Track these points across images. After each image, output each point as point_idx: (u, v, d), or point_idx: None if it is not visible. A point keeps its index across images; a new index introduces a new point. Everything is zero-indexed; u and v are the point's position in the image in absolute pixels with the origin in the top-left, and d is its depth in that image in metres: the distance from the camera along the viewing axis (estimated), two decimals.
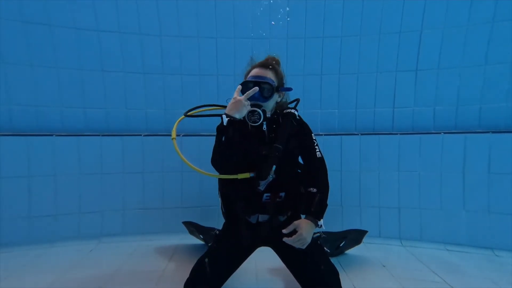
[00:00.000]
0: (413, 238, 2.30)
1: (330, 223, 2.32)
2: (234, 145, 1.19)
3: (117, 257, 2.03)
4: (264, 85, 1.25)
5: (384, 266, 1.95)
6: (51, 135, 2.26)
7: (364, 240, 2.35)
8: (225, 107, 1.35)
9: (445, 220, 2.27)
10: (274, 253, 1.44)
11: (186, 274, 1.31)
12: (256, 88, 1.18)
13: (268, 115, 1.30)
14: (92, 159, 2.32)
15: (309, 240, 1.21)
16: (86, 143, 2.31)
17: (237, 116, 1.18)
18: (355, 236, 2.05)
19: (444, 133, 2.30)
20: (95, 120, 2.40)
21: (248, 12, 2.41)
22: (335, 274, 1.28)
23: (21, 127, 2.25)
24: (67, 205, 2.26)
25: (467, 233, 2.22)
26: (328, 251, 1.95)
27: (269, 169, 1.24)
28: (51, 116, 2.31)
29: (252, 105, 1.22)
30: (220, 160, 1.23)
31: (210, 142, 1.37)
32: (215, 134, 1.24)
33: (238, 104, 1.18)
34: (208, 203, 2.37)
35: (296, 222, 1.21)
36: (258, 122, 1.22)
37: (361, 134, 2.43)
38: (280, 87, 1.31)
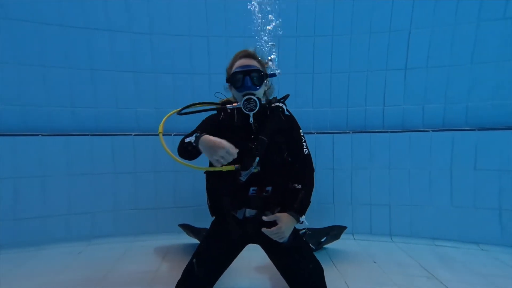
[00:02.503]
0: (404, 234, 2.35)
1: (322, 220, 2.38)
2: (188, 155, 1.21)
3: (108, 259, 2.00)
4: (254, 72, 1.25)
5: (375, 262, 1.98)
6: (38, 135, 2.20)
7: (355, 237, 2.39)
8: (217, 104, 1.34)
9: (434, 216, 2.32)
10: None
11: (178, 275, 1.31)
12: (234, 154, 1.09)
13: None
14: (82, 159, 2.28)
15: (287, 234, 1.22)
16: (76, 143, 2.27)
17: (203, 149, 1.12)
18: (336, 233, 2.10)
19: (433, 130, 2.35)
20: (85, 120, 2.35)
21: (239, 10, 2.40)
22: (321, 272, 1.30)
23: (6, 127, 2.19)
24: (56, 207, 2.22)
25: (455, 228, 2.28)
26: (314, 247, 1.97)
27: (251, 160, 1.23)
28: (38, 115, 2.26)
29: (245, 94, 1.23)
30: (180, 154, 1.25)
31: None
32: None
33: (217, 151, 1.07)
34: (201, 202, 2.34)
35: (278, 214, 1.22)
36: (255, 109, 1.21)
37: (353, 132, 2.46)
38: (268, 74, 1.32)
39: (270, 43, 1.69)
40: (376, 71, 2.47)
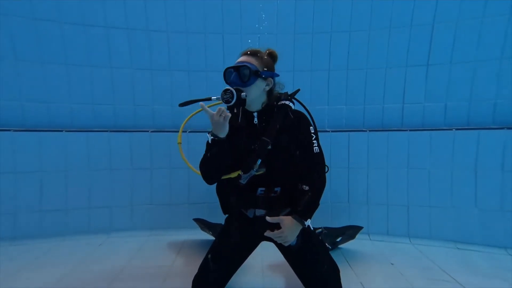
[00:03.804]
0: (423, 236, 2.26)
1: (336, 220, 2.34)
2: (218, 161, 1.19)
3: (125, 252, 2.06)
4: (241, 68, 1.20)
5: (392, 264, 1.92)
6: (61, 130, 2.30)
7: (371, 237, 2.33)
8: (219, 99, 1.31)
9: (456, 218, 2.22)
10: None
11: (193, 270, 1.33)
12: (222, 108, 1.12)
13: (259, 107, 1.26)
14: (101, 155, 2.36)
15: (290, 239, 1.19)
16: (95, 139, 2.35)
17: (222, 135, 1.15)
18: (352, 232, 2.06)
19: (456, 129, 2.24)
20: (104, 116, 2.43)
21: (254, 7, 2.39)
22: (336, 272, 1.27)
23: (32, 123, 2.30)
24: (77, 200, 2.31)
25: (479, 231, 2.17)
26: (330, 247, 1.94)
27: (252, 163, 1.20)
28: (61, 112, 2.36)
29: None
30: (205, 172, 1.25)
31: None
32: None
33: (217, 124, 1.13)
34: (215, 199, 2.34)
35: (282, 217, 1.19)
36: (231, 102, 1.15)
37: (369, 131, 2.39)
38: (261, 72, 1.22)
39: None
40: (396, 67, 2.38)
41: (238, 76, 1.20)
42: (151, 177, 2.42)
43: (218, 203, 1.45)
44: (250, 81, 1.20)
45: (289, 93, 1.37)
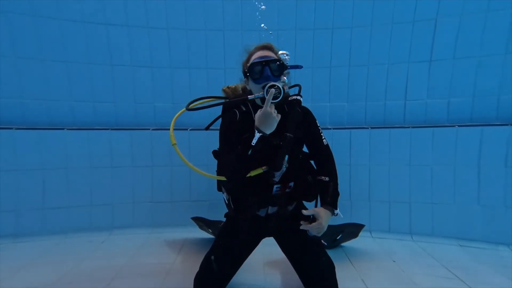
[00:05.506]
0: (425, 233, 2.26)
1: (338, 217, 2.33)
2: (258, 159, 1.15)
3: (127, 249, 2.07)
4: (273, 62, 1.20)
5: (394, 261, 1.92)
6: (63, 128, 2.30)
7: (373, 234, 2.33)
8: (225, 98, 1.29)
9: (459, 215, 2.21)
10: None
11: (194, 267, 1.33)
12: (273, 90, 1.10)
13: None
14: (102, 152, 2.35)
15: (325, 229, 1.24)
16: (96, 137, 2.35)
17: (268, 132, 1.11)
18: (352, 230, 2.04)
19: (459, 126, 2.22)
20: (105, 114, 2.43)
21: (255, 3, 2.37)
22: (332, 267, 1.30)
23: (33, 121, 2.30)
24: (79, 198, 2.32)
25: (482, 228, 2.16)
26: (326, 244, 1.94)
27: (282, 159, 1.20)
28: (62, 110, 2.35)
29: (265, 85, 1.15)
30: (241, 173, 1.17)
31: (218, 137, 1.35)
32: (222, 135, 1.26)
33: (268, 118, 1.09)
34: (216, 196, 2.36)
35: (317, 209, 1.25)
36: (279, 97, 1.13)
37: (371, 128, 2.37)
38: (289, 66, 1.26)
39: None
40: (398, 63, 2.36)
41: (270, 70, 1.21)
42: (152, 174, 2.42)
43: (218, 201, 1.45)
44: (281, 75, 1.23)
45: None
